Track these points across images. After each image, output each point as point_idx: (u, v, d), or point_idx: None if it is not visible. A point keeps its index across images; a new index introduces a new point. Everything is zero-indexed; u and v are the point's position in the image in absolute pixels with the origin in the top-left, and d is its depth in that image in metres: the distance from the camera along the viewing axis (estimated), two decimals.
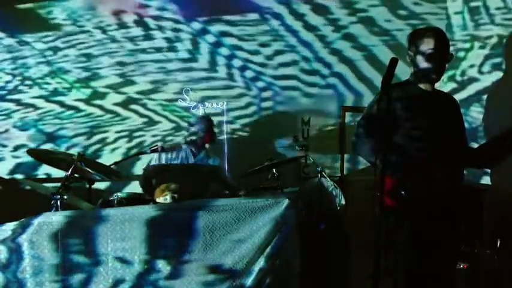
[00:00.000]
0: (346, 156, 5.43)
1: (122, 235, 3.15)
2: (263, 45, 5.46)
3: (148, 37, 5.37)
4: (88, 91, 5.33)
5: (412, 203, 2.77)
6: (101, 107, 5.37)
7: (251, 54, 5.47)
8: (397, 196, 2.75)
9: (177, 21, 5.39)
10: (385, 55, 5.30)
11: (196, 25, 5.42)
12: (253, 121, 5.50)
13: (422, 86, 3.01)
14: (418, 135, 2.90)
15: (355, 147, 3.06)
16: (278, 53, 5.48)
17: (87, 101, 5.34)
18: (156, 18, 5.37)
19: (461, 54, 4.87)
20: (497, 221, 3.83)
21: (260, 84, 5.49)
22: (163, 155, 4.62)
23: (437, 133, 2.91)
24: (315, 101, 5.50)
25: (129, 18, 5.34)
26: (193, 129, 4.68)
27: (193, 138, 4.64)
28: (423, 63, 2.94)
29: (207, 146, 4.71)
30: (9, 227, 3.16)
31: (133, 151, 5.21)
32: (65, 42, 5.29)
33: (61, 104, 5.32)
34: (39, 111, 5.30)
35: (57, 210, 3.35)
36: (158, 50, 5.39)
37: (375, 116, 2.87)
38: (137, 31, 5.36)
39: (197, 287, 3.12)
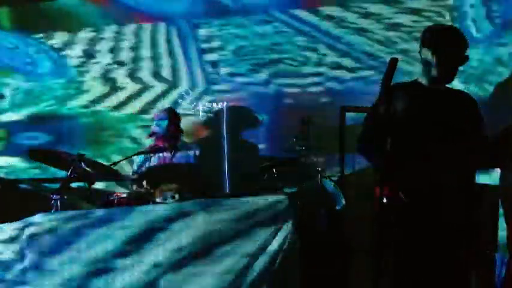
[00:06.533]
0: (346, 156, 5.41)
1: (122, 235, 3.15)
2: (263, 44, 5.47)
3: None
4: None
5: (413, 205, 2.72)
6: None
7: (251, 54, 5.47)
8: (396, 199, 2.70)
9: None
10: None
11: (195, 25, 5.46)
12: (253, 121, 5.50)
13: (432, 86, 2.86)
14: (422, 135, 2.78)
15: (359, 150, 3.05)
16: (278, 52, 5.48)
17: None
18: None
19: None
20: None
21: (260, 83, 5.49)
22: (137, 159, 4.53)
23: (443, 132, 2.78)
24: (315, 101, 5.49)
25: None
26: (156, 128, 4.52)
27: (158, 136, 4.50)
28: (440, 65, 2.79)
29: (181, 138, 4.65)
30: (9, 227, 3.16)
31: None
32: None
33: None
34: None
35: (57, 210, 3.36)
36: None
37: (375, 118, 2.76)
38: None
39: (197, 287, 3.12)
